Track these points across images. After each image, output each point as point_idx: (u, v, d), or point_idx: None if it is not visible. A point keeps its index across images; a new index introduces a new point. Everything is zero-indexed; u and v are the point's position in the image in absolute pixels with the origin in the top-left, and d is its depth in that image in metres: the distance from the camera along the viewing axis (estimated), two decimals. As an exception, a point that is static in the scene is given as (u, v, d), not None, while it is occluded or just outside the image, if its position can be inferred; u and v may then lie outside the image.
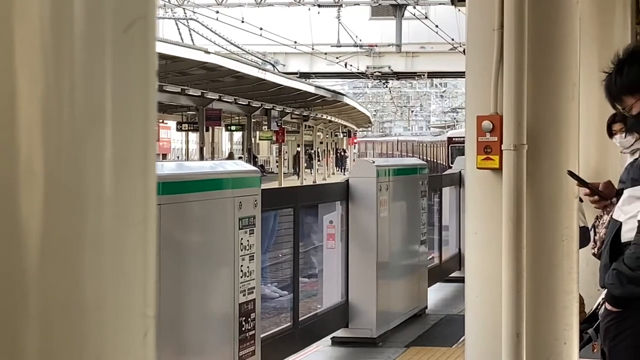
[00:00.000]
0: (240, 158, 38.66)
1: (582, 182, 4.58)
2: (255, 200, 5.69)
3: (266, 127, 44.02)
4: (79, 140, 1.11)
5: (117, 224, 1.16)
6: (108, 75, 1.15)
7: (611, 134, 6.77)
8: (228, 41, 36.46)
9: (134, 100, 1.19)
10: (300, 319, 7.44)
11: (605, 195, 4.43)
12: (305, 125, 51.92)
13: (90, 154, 1.12)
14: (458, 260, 11.71)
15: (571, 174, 4.68)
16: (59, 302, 1.09)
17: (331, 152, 69.54)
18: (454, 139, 40.05)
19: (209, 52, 25.64)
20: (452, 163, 29.30)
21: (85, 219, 1.12)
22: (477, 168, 5.23)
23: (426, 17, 34.68)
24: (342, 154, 73.48)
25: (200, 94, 31.04)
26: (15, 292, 1.07)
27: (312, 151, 58.95)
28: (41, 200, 1.08)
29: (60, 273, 1.10)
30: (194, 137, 47.38)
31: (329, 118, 54.21)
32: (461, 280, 8.77)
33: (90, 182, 1.12)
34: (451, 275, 11.68)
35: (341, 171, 67.11)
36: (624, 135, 6.39)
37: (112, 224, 1.15)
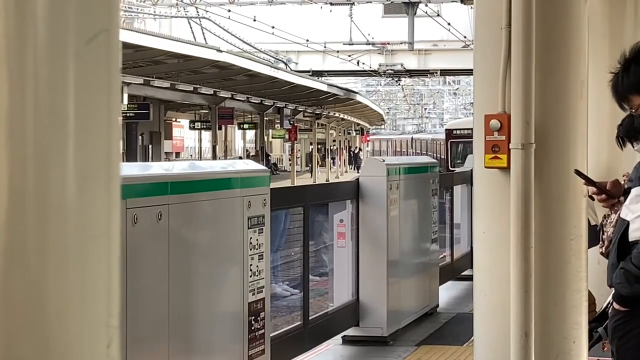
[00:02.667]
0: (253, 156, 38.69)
1: (589, 181, 4.56)
2: (264, 200, 5.70)
3: (279, 125, 44.03)
4: (42, 152, 1.11)
5: (80, 235, 1.16)
6: (71, 87, 1.15)
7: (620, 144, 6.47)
8: (240, 40, 36.49)
9: (97, 111, 1.19)
10: (310, 318, 7.43)
11: (612, 194, 4.42)
12: (318, 123, 51.91)
13: (54, 166, 1.13)
14: (470, 258, 11.68)
15: (578, 173, 4.67)
16: (22, 312, 1.10)
17: (344, 150, 69.50)
18: (454, 132, 29.36)
19: (221, 51, 25.67)
20: (451, 164, 26.84)
21: (48, 230, 1.12)
22: (485, 167, 5.22)
23: (438, 15, 34.65)
24: (355, 151, 73.48)
25: (212, 93, 31.09)
26: None
27: (325, 149, 58.93)
28: (5, 211, 1.09)
29: (23, 283, 1.10)
30: (207, 135, 47.47)
31: (341, 116, 54.18)
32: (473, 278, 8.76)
33: (54, 194, 1.13)
34: (463, 273, 11.66)
35: (354, 169, 67.09)
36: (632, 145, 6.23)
37: (75, 235, 1.15)
